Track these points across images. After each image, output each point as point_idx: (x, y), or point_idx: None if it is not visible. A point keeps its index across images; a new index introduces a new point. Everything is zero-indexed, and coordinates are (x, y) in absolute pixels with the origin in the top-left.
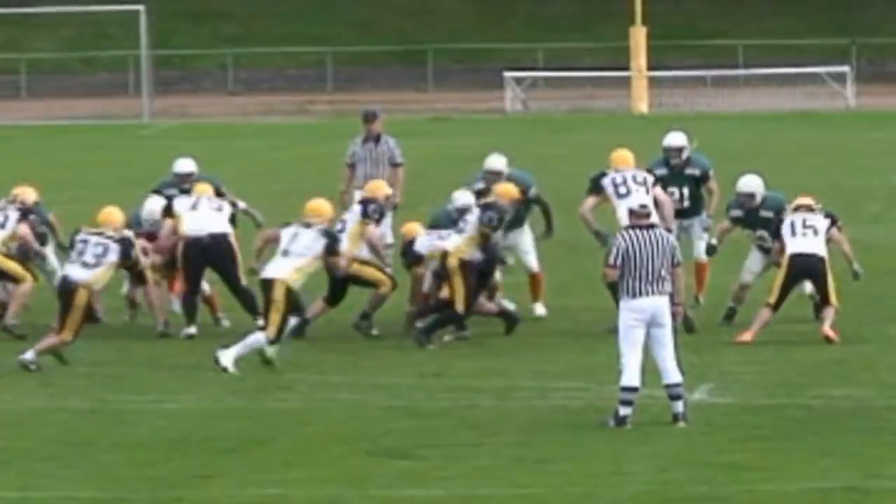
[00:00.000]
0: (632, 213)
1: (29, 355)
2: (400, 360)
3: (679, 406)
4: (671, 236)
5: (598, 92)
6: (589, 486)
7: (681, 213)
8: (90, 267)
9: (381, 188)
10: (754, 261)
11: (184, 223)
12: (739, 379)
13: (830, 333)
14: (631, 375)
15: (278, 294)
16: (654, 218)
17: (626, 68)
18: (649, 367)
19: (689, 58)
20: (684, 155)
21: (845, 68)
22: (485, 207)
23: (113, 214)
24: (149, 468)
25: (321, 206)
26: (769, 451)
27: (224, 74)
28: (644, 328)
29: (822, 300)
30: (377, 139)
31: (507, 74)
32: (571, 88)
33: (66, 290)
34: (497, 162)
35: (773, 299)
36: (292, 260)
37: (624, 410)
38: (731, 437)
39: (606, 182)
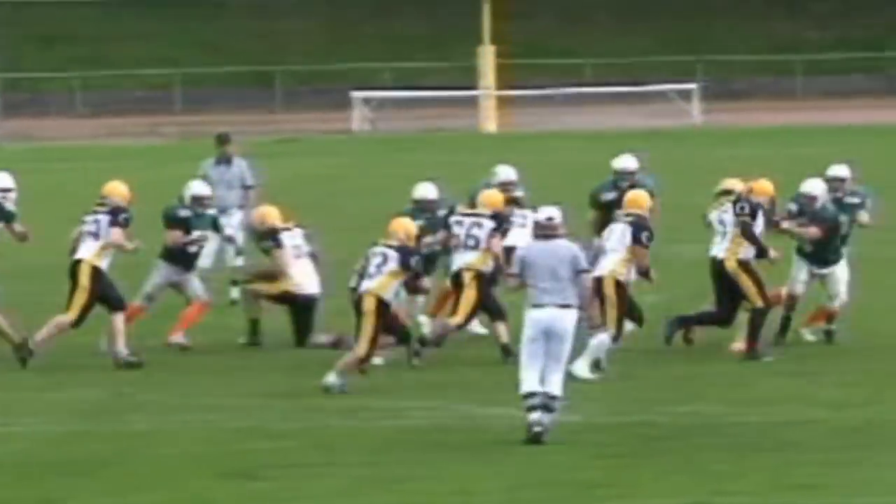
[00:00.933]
0: (537, 224)
1: (331, 379)
2: (249, 381)
3: (545, 419)
4: (574, 246)
5: (446, 111)
6: None
7: None
8: (372, 277)
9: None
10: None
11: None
12: (586, 397)
13: (739, 346)
14: (530, 382)
15: (609, 290)
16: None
17: (475, 88)
18: (504, 385)
19: (537, 76)
20: (636, 178)
21: (692, 86)
22: (737, 200)
23: (401, 224)
24: None
25: (638, 196)
26: (617, 468)
27: (72, 97)
28: (543, 341)
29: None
30: (229, 161)
31: (355, 94)
32: (420, 108)
33: (357, 301)
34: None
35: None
36: (612, 255)
37: (531, 416)
38: (579, 455)
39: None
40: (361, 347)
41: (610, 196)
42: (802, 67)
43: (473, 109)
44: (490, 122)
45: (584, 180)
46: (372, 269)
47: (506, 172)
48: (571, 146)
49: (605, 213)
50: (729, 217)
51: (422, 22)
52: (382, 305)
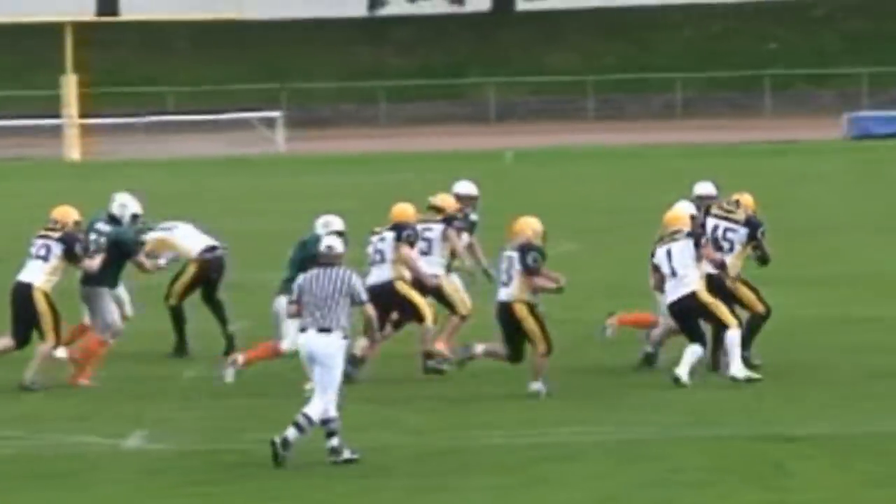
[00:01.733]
0: (319, 253)
1: (536, 385)
2: None
3: (291, 433)
4: (352, 276)
5: (30, 140)
6: None
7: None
8: (508, 285)
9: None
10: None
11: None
12: (176, 425)
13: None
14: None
15: (707, 298)
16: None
17: (58, 116)
18: (92, 413)
19: (121, 105)
20: (477, 204)
21: (275, 113)
22: (752, 223)
23: (527, 222)
24: None
25: (679, 213)
26: (203, 496)
27: None
28: (313, 363)
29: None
30: None
31: None
32: (4, 137)
33: (503, 313)
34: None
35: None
36: (689, 273)
37: (335, 441)
38: (167, 483)
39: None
40: (542, 346)
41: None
42: (385, 94)
43: (57, 138)
44: (74, 150)
45: (166, 207)
46: (504, 276)
47: (124, 199)
48: (154, 174)
49: None
50: (738, 237)
51: (4, 51)
52: (531, 307)
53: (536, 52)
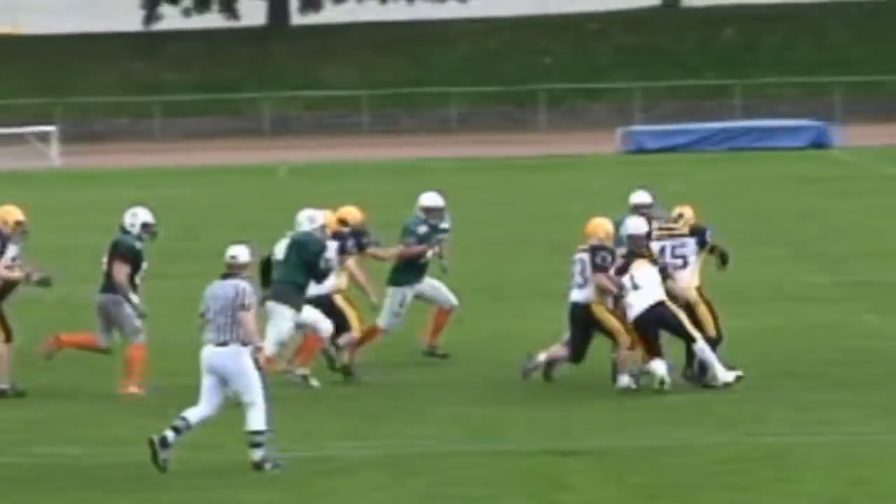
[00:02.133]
0: (226, 263)
1: (626, 380)
2: None
3: (257, 454)
4: (244, 284)
5: None
6: None
7: (424, 269)
8: (583, 287)
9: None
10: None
11: None
12: None
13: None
14: (191, 409)
15: (674, 309)
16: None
17: None
18: None
19: None
20: (444, 214)
21: (50, 128)
22: (699, 231)
23: (599, 224)
24: None
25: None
26: None
27: None
28: (213, 377)
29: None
30: None
31: None
32: None
33: (577, 314)
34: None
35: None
36: (645, 292)
37: (168, 433)
38: None
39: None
40: (625, 340)
41: (424, 230)
42: (160, 109)
43: None
44: None
45: None
46: (579, 278)
47: (135, 209)
48: None
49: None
50: (688, 250)
51: None
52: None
53: (312, 66)
